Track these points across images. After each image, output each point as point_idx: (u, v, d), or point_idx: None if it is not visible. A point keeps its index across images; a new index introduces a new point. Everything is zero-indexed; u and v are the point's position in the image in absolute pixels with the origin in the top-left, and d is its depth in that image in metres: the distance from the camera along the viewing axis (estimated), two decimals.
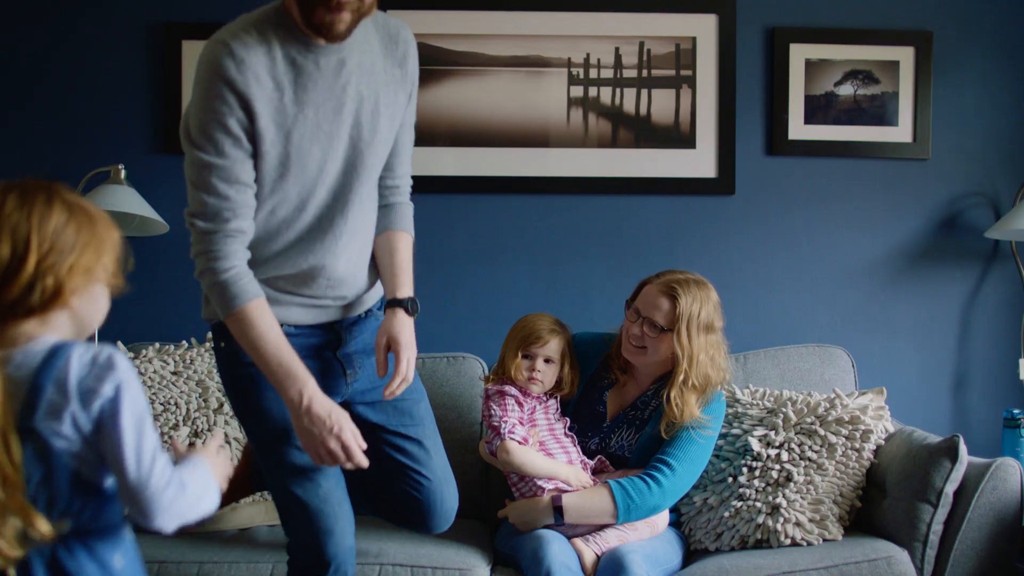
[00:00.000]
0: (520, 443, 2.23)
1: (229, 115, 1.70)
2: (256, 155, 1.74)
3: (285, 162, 1.76)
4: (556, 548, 2.09)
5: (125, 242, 1.34)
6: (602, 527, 2.23)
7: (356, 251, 1.95)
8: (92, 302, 1.29)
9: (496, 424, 2.26)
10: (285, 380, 1.75)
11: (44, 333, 1.24)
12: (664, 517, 2.31)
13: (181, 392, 2.55)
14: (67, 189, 1.28)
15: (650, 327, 2.30)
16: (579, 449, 2.36)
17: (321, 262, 1.89)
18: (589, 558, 2.14)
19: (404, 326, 1.91)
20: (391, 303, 1.93)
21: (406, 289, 1.95)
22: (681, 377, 2.27)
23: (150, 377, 2.56)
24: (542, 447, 2.29)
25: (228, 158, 1.72)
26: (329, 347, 2.03)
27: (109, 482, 1.24)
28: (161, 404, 2.52)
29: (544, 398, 2.37)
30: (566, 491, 2.23)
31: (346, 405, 2.09)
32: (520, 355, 2.31)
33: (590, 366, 2.48)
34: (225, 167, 1.72)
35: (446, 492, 2.12)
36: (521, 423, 2.28)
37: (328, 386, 2.01)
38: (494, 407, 2.29)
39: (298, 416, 1.77)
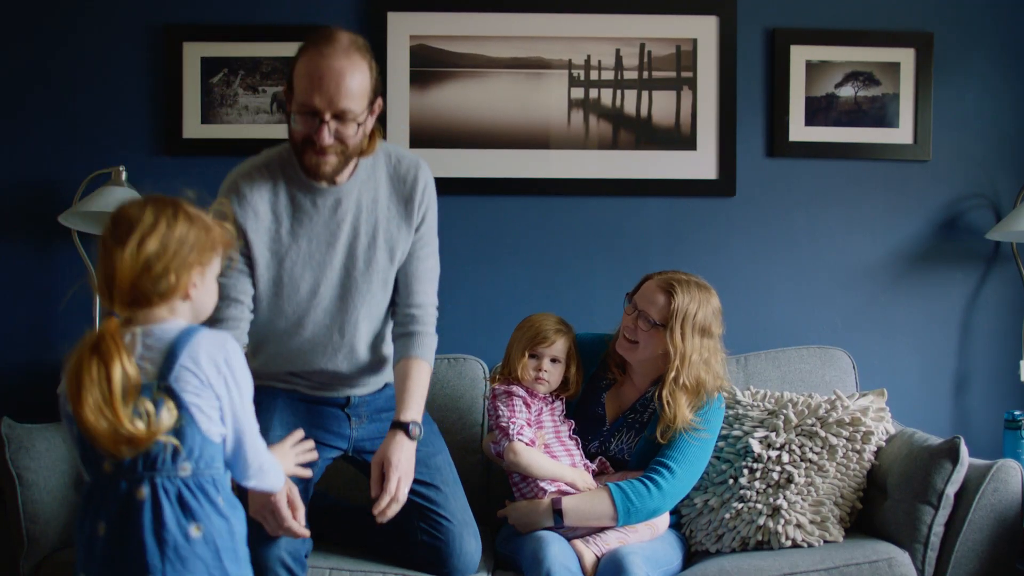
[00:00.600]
0: (527, 445, 2.24)
1: None
2: (253, 275, 2.02)
3: (278, 283, 2.04)
4: (556, 549, 2.09)
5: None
6: (602, 528, 2.23)
7: (360, 358, 2.15)
8: (207, 293, 1.58)
9: (504, 425, 2.26)
10: None
11: (171, 317, 1.52)
12: (664, 519, 2.31)
13: None
14: (190, 203, 1.57)
15: (644, 321, 2.30)
16: (583, 452, 2.36)
17: (323, 367, 2.12)
18: (589, 559, 2.14)
19: (400, 448, 1.98)
20: (394, 424, 2.03)
21: (411, 413, 2.03)
22: (672, 375, 2.27)
23: None
24: (547, 449, 2.29)
25: (224, 276, 1.87)
26: (336, 404, 2.16)
27: (221, 436, 1.50)
28: None
29: (550, 399, 2.38)
30: (568, 493, 2.23)
31: (357, 453, 2.18)
32: (527, 355, 2.31)
33: (590, 367, 2.48)
34: (220, 284, 1.86)
35: (466, 535, 2.17)
36: (528, 425, 2.28)
37: (330, 428, 2.13)
38: (502, 408, 2.29)
39: None
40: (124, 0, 3.03)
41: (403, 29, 3.03)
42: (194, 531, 1.45)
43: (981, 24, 3.08)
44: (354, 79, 1.89)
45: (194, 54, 3.02)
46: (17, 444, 2.22)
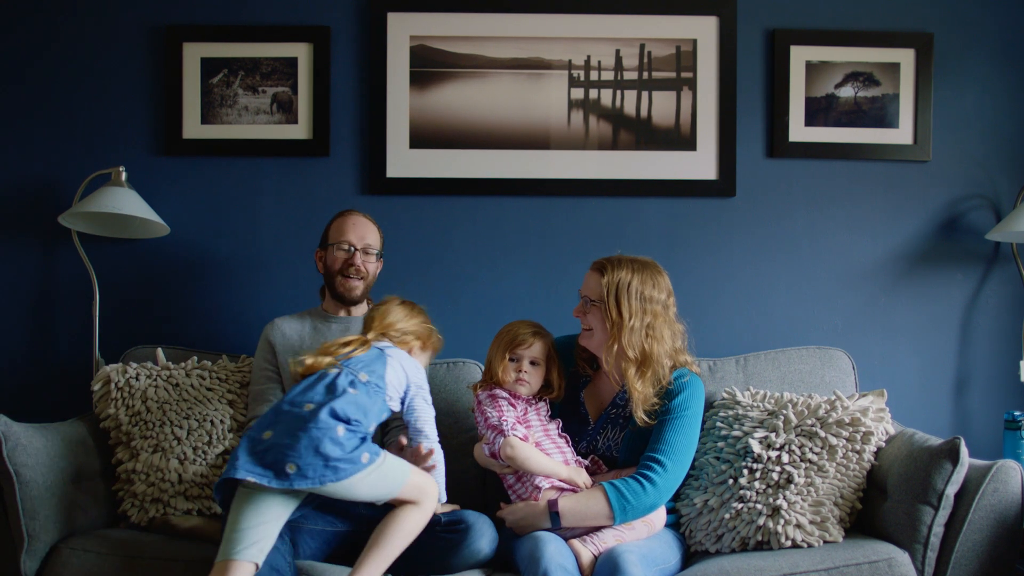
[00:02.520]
0: (522, 439, 2.26)
1: (263, 356, 2.67)
2: (282, 382, 2.63)
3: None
4: (552, 548, 2.09)
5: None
6: (599, 528, 2.23)
7: None
8: (422, 358, 2.41)
9: (496, 423, 2.28)
10: None
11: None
12: (661, 517, 2.31)
13: (215, 410, 2.58)
14: (410, 302, 2.46)
15: (587, 303, 2.36)
16: (573, 450, 2.37)
17: None
18: (586, 558, 2.14)
19: None
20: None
21: None
22: (609, 342, 2.31)
23: (187, 391, 2.59)
24: (538, 447, 2.30)
25: (259, 384, 2.63)
26: None
27: (394, 391, 2.26)
28: (196, 420, 2.55)
29: (534, 401, 2.40)
30: (564, 489, 2.24)
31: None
32: (507, 358, 2.36)
33: (568, 367, 2.50)
34: (257, 391, 2.63)
35: (483, 526, 2.27)
36: (518, 422, 2.30)
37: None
38: (489, 409, 2.32)
39: None
40: (124, 1, 3.04)
41: (403, 29, 3.04)
42: (352, 416, 2.11)
43: (981, 25, 3.08)
44: (373, 231, 2.72)
45: (194, 54, 3.03)
46: (14, 442, 2.22)
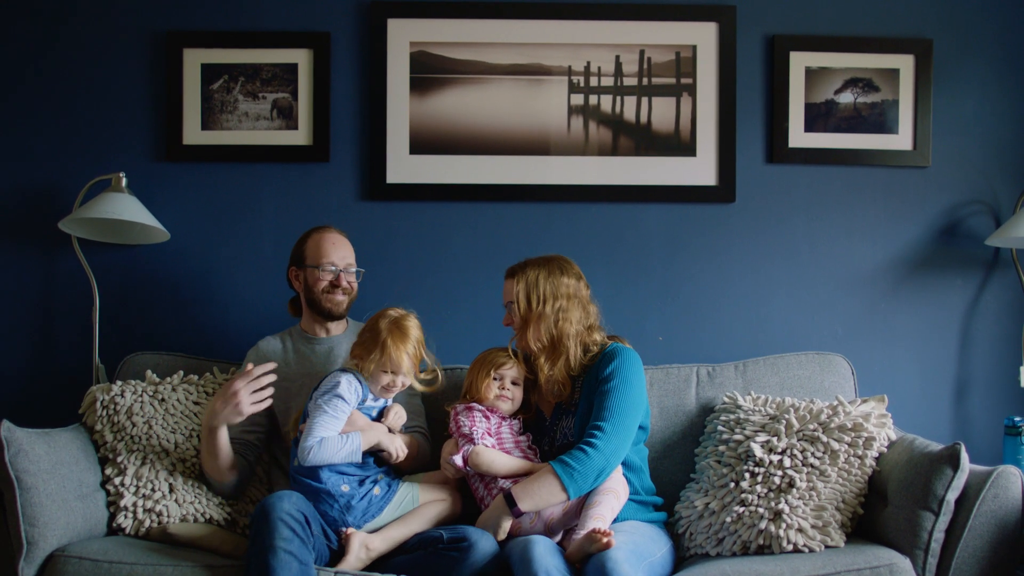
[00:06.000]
0: (489, 448, 2.35)
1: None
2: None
3: (286, 402, 2.62)
4: (542, 548, 2.12)
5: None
6: (576, 523, 2.25)
7: None
8: (370, 370, 2.41)
9: (467, 432, 2.37)
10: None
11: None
12: (623, 484, 2.34)
13: (202, 422, 2.57)
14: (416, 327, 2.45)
15: (508, 308, 2.48)
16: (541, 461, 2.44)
17: None
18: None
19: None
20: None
21: None
22: (524, 335, 2.42)
23: (173, 405, 2.58)
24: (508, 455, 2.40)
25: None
26: None
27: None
28: (183, 434, 2.54)
29: (508, 418, 2.48)
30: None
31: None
32: (491, 377, 2.46)
33: None
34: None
35: (483, 537, 2.29)
36: (488, 434, 2.39)
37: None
38: (463, 420, 2.41)
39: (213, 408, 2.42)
40: (125, 7, 3.04)
41: (403, 36, 3.04)
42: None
43: (980, 30, 3.09)
44: (351, 248, 2.72)
45: (194, 60, 3.03)
46: (16, 447, 2.22)
